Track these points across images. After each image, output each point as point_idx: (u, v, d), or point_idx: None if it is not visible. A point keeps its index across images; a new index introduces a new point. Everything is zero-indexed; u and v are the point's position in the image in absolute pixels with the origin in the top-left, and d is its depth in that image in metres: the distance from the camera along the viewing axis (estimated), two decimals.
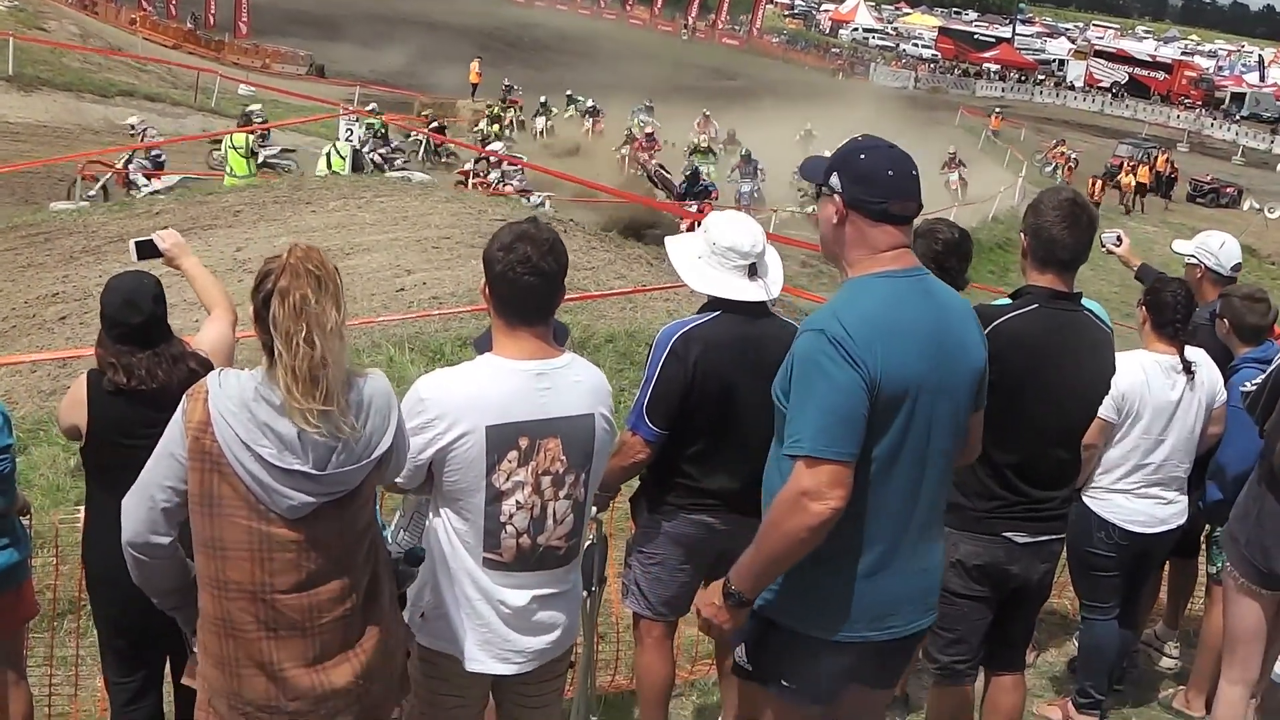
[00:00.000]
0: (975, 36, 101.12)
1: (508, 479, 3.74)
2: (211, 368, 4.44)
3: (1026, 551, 4.73)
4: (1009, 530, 4.68)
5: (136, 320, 4.53)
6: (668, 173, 30.72)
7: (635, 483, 5.10)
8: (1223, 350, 6.17)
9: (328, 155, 24.33)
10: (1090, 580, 5.93)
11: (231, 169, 22.81)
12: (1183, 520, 5.87)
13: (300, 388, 3.15)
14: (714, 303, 4.81)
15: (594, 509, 4.43)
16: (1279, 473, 5.16)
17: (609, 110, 43.16)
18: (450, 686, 3.95)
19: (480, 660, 3.87)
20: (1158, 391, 5.62)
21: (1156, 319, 5.75)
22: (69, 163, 22.76)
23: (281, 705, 3.35)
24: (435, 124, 34.23)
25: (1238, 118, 79.62)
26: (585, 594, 4.67)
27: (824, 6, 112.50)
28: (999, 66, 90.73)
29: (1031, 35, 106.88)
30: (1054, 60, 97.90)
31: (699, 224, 5.10)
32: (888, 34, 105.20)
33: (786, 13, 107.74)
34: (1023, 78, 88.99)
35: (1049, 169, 48.20)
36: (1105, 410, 5.24)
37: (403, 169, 26.15)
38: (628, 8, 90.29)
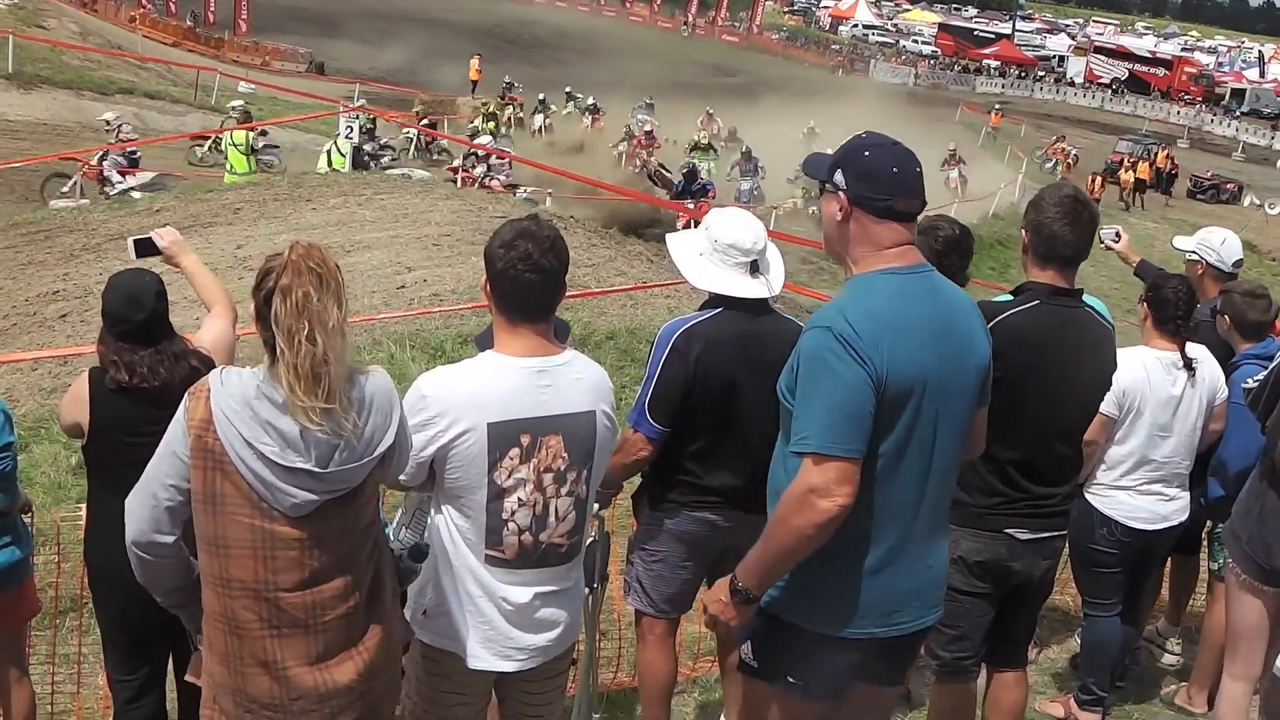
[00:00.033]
0: (975, 33, 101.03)
1: (509, 476, 3.74)
2: (213, 365, 4.44)
3: (1028, 548, 4.73)
4: (1011, 527, 4.68)
5: (139, 318, 4.53)
6: (667, 171, 30.69)
7: (637, 480, 5.10)
8: (1224, 346, 6.17)
9: (328, 153, 24.32)
10: (1092, 577, 5.93)
11: (231, 166, 22.82)
12: (1184, 517, 5.87)
13: (303, 385, 3.15)
14: (715, 300, 4.81)
15: (596, 506, 4.43)
16: None
17: (609, 108, 43.12)
18: (452, 684, 3.95)
19: (482, 658, 3.87)
20: (1159, 388, 5.62)
21: (1158, 315, 5.74)
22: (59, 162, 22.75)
23: (285, 704, 3.35)
24: (425, 120, 33.79)
25: (1238, 114, 79.60)
26: (587, 591, 4.66)
27: (824, 3, 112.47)
28: (999, 63, 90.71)
29: (1031, 31, 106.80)
30: (1054, 56, 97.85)
31: (696, 222, 5.11)
32: (887, 30, 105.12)
33: (786, 9, 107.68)
34: (1023, 74, 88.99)
35: (1049, 165, 48.19)
36: (1107, 406, 5.24)
37: (391, 166, 26.05)
38: (627, 5, 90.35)
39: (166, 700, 4.94)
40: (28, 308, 13.58)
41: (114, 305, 4.55)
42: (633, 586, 5.13)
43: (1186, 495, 5.86)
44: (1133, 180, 45.42)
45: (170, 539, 3.36)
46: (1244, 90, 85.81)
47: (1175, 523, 5.83)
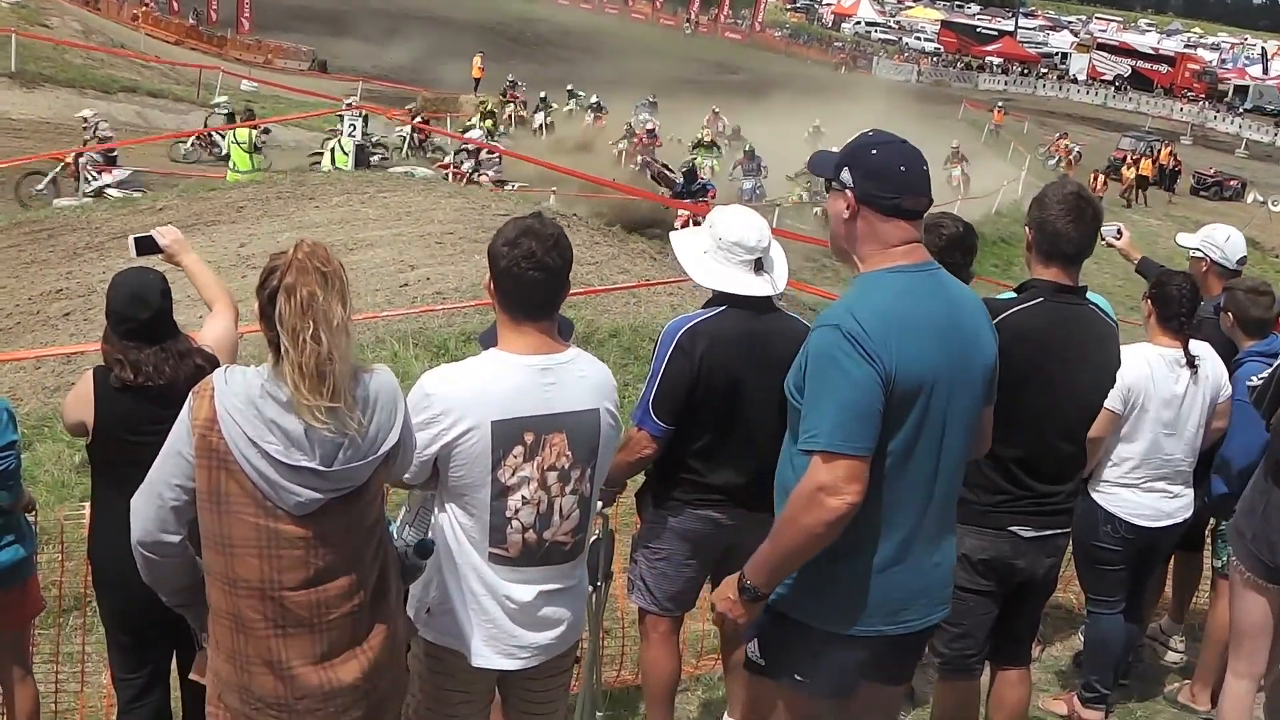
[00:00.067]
0: (978, 30, 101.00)
1: (513, 474, 3.73)
2: (218, 363, 4.46)
3: (1032, 546, 4.73)
4: (1014, 524, 4.68)
5: (144, 316, 4.53)
6: (670, 171, 30.60)
7: (641, 478, 5.10)
8: (1227, 344, 6.16)
9: (331, 151, 24.34)
10: (1096, 574, 5.93)
11: (234, 164, 22.87)
12: (1188, 514, 5.87)
13: (307, 384, 3.14)
14: (719, 298, 4.81)
15: (600, 504, 4.44)
16: None
17: (612, 106, 42.98)
18: (455, 682, 3.95)
19: (486, 656, 3.86)
20: (1162, 385, 5.62)
21: (1162, 312, 5.74)
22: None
23: (290, 703, 3.35)
24: (419, 118, 33.37)
25: (1241, 110, 79.55)
26: (591, 589, 4.66)
27: (826, 0, 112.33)
28: (1001, 60, 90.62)
29: (1034, 28, 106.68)
30: (1057, 53, 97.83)
31: (694, 221, 5.11)
32: (890, 28, 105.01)
33: (789, 6, 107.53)
34: (1025, 71, 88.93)
35: (1052, 162, 48.15)
36: (1111, 402, 5.23)
37: (382, 165, 26.02)
38: (629, 3, 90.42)
39: (171, 699, 4.94)
40: (31, 306, 13.60)
41: (118, 304, 4.55)
42: (636, 584, 5.13)
43: (1190, 493, 5.86)
44: (1133, 177, 45.38)
45: (176, 538, 3.36)
46: (1247, 87, 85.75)
47: (1179, 520, 5.83)
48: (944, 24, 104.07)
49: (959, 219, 5.58)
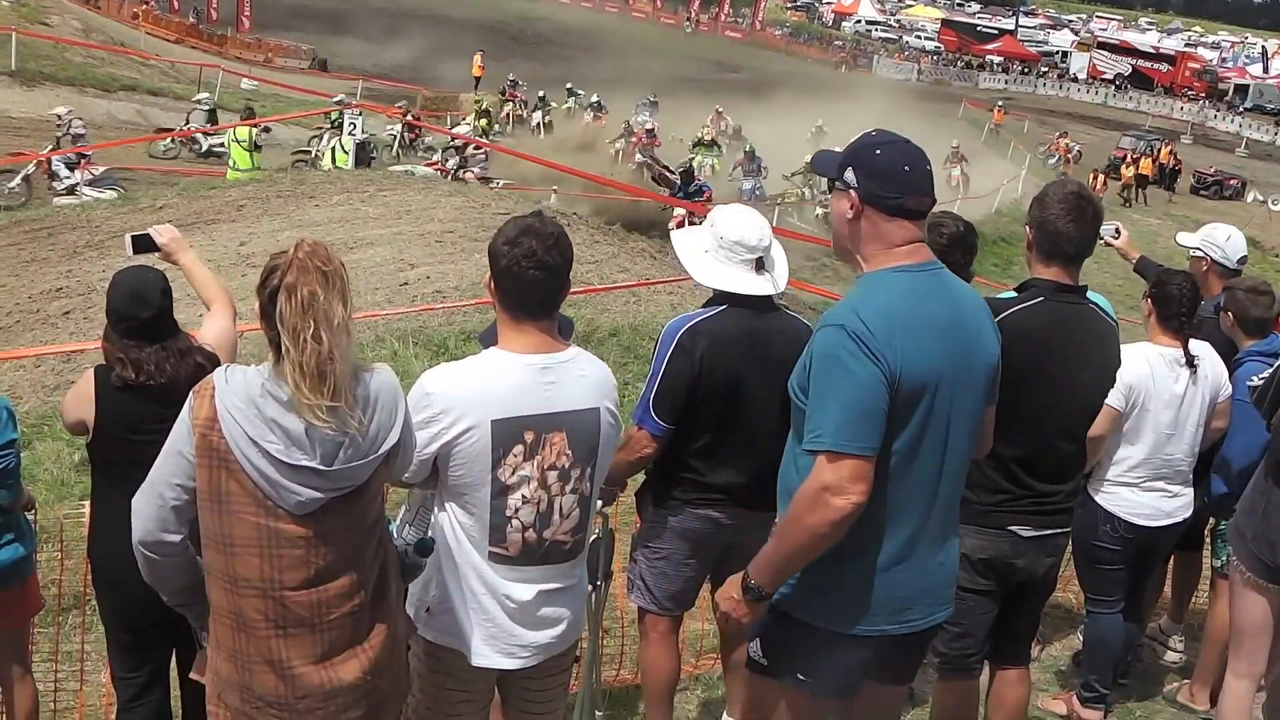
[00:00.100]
0: (978, 28, 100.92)
1: (513, 473, 3.73)
2: (218, 362, 4.46)
3: (1032, 545, 4.73)
4: (1014, 524, 4.68)
5: (145, 315, 4.53)
6: (670, 172, 30.50)
7: (641, 477, 5.10)
8: (1227, 343, 6.16)
9: (332, 150, 24.34)
10: (1095, 574, 5.93)
11: (234, 162, 22.91)
12: (1188, 514, 5.87)
13: (308, 383, 3.14)
14: (720, 297, 4.81)
15: (599, 503, 4.43)
16: None
17: (612, 105, 42.88)
18: (455, 681, 3.95)
19: (485, 655, 3.86)
20: (1163, 384, 5.61)
21: (1162, 312, 5.74)
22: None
23: (291, 702, 3.35)
24: (409, 116, 32.82)
25: (1241, 109, 79.53)
26: (591, 588, 4.66)
27: None
28: (1002, 59, 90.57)
29: (1034, 27, 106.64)
30: (1057, 52, 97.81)
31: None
32: (890, 26, 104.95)
33: (789, 5, 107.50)
34: (1026, 70, 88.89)
35: (1052, 161, 48.15)
36: (1113, 399, 5.22)
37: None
38: (630, 1, 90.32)
39: (171, 698, 4.94)
40: (31, 305, 13.59)
41: (119, 302, 4.55)
42: (636, 584, 5.13)
43: (1190, 492, 5.86)
44: (1131, 176, 45.37)
45: (177, 538, 3.36)
46: (1247, 86, 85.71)
47: (1178, 520, 5.83)
48: (944, 23, 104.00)
49: (960, 218, 5.58)
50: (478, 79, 49.81)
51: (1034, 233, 4.70)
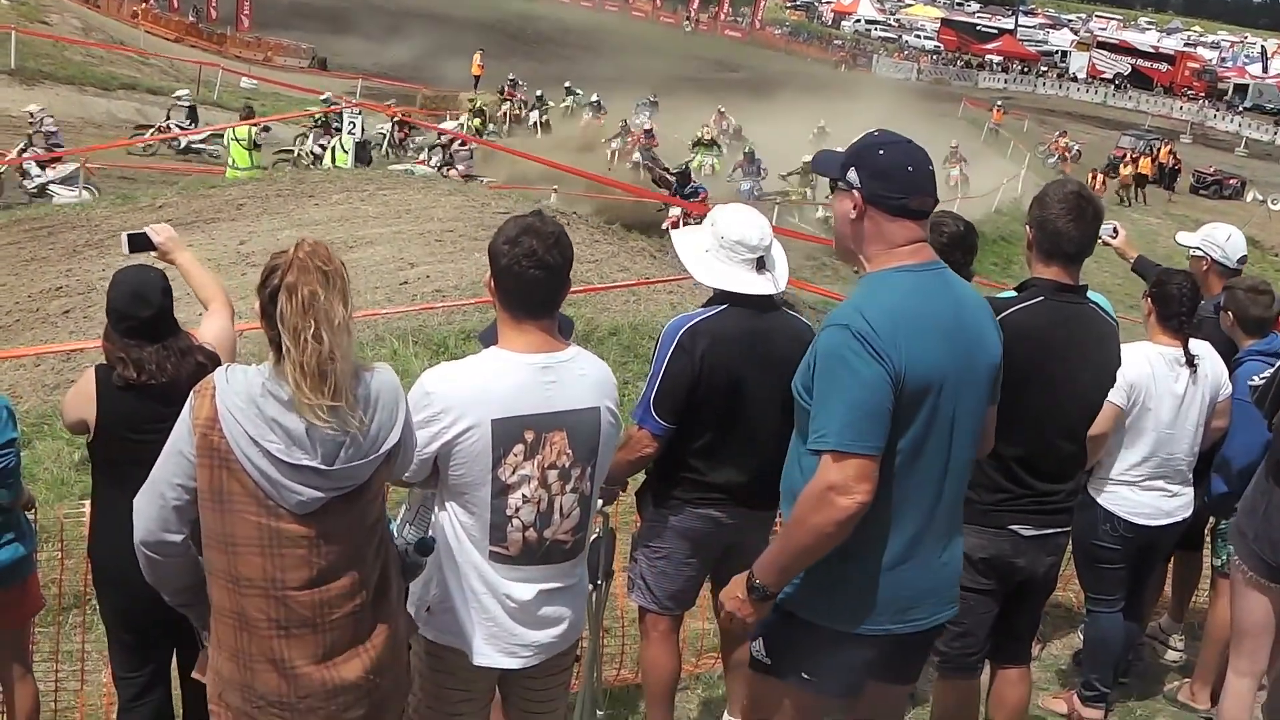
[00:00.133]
0: (977, 28, 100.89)
1: (514, 473, 3.73)
2: (219, 361, 4.46)
3: (1032, 544, 4.72)
4: (1015, 523, 4.68)
5: (145, 314, 4.53)
6: (668, 173, 30.33)
7: (641, 476, 5.10)
8: (1227, 343, 6.16)
9: (332, 149, 24.36)
10: (1095, 573, 5.93)
11: (233, 161, 22.93)
12: (1188, 513, 5.87)
13: (309, 383, 3.14)
14: (721, 296, 4.81)
15: (600, 503, 4.43)
16: None
17: (612, 104, 42.76)
18: (456, 680, 3.94)
19: (486, 654, 3.86)
20: (1163, 384, 5.62)
21: (1162, 311, 5.74)
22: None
23: (292, 701, 3.35)
24: (398, 118, 32.42)
25: (1241, 109, 79.51)
26: (591, 588, 4.66)
27: None
28: (1001, 58, 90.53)
29: (1034, 26, 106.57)
30: (1056, 52, 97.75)
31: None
32: (890, 25, 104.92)
33: (789, 5, 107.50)
34: (1025, 69, 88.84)
35: (1051, 161, 48.14)
36: (1115, 396, 5.22)
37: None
38: (630, 1, 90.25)
39: (172, 697, 4.94)
40: (30, 304, 13.60)
41: (119, 302, 4.55)
42: (636, 583, 5.13)
43: (1190, 492, 5.86)
44: (1130, 176, 45.35)
45: (178, 538, 3.36)
46: (1247, 85, 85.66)
47: (1178, 519, 5.83)
48: (944, 22, 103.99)
49: (960, 218, 5.59)
50: (477, 78, 49.80)
51: (1034, 232, 4.70)
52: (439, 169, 25.88)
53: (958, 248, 5.21)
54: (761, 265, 4.76)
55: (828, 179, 3.73)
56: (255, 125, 23.90)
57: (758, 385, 4.70)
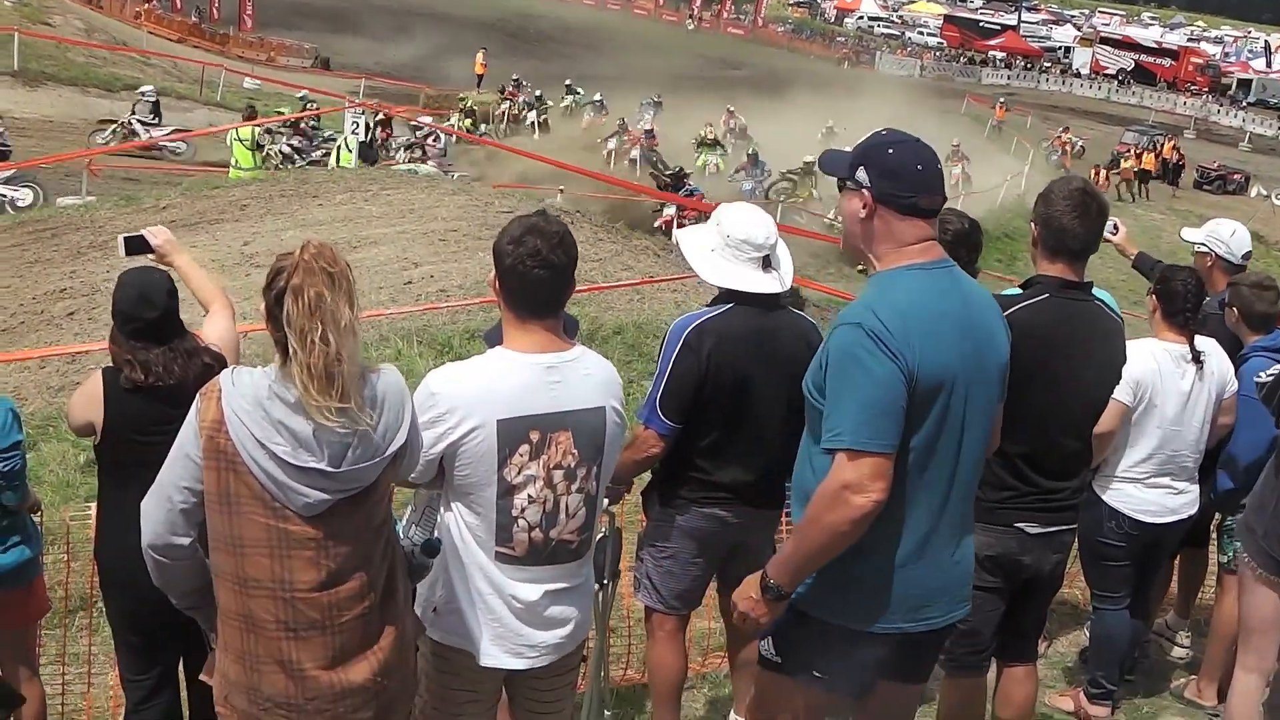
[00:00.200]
0: (980, 24, 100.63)
1: (519, 473, 3.73)
2: (225, 362, 4.46)
3: (1038, 542, 4.72)
4: (1021, 521, 4.67)
5: (151, 316, 4.53)
6: (665, 174, 30.14)
7: (647, 475, 5.09)
8: (1232, 339, 6.15)
9: (336, 149, 24.36)
10: (1101, 570, 5.93)
11: (236, 161, 22.95)
12: (1194, 510, 5.87)
13: (316, 385, 3.14)
14: (726, 295, 4.81)
15: (606, 502, 4.43)
16: None
17: (615, 103, 42.62)
18: (463, 681, 3.95)
19: (493, 655, 3.86)
20: (1169, 380, 5.61)
21: (1167, 308, 5.73)
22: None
23: (300, 703, 3.35)
24: (380, 117, 32.53)
25: (1244, 104, 79.27)
26: (597, 588, 4.66)
27: None
28: (1004, 54, 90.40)
29: (1037, 22, 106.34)
30: (1060, 47, 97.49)
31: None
32: (893, 22, 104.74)
33: (791, 2, 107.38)
34: (1029, 65, 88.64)
35: (1055, 157, 48.06)
36: (1121, 393, 5.21)
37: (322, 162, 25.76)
38: None
39: (181, 700, 4.94)
40: (35, 306, 13.58)
41: (125, 304, 4.55)
42: (643, 583, 5.13)
43: (1195, 489, 5.86)
44: (1132, 171, 45.27)
45: (186, 541, 3.36)
46: (1250, 80, 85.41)
47: (1184, 516, 5.83)
48: (947, 19, 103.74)
49: (964, 215, 5.59)
50: (480, 77, 49.80)
51: (1039, 229, 4.70)
52: (408, 159, 25.65)
53: (963, 245, 5.21)
54: (767, 264, 4.76)
55: (835, 179, 3.73)
56: (258, 126, 23.90)
57: (764, 384, 4.70)
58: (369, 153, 24.95)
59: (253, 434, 3.18)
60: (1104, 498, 5.73)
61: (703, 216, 19.04)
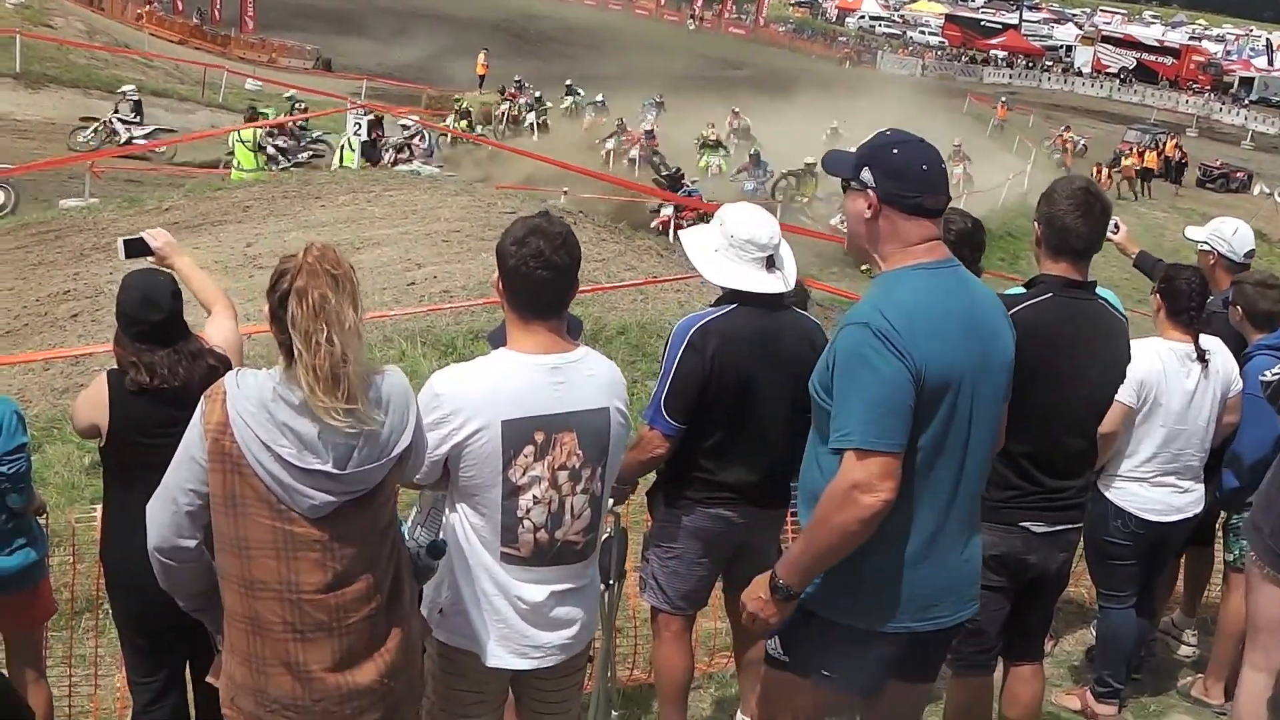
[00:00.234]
0: (982, 23, 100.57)
1: (524, 474, 3.73)
2: (229, 364, 4.47)
3: (1044, 541, 4.72)
4: (1026, 520, 4.67)
5: (156, 318, 4.53)
6: (663, 175, 30.04)
7: (652, 476, 5.09)
8: (1237, 337, 6.15)
9: (340, 150, 24.37)
10: (1107, 569, 5.93)
11: (239, 163, 22.94)
12: (1199, 509, 5.86)
13: (322, 387, 3.14)
14: (730, 295, 4.81)
15: (611, 503, 4.43)
16: None
17: (616, 103, 42.58)
18: (469, 682, 3.94)
19: (499, 656, 3.86)
20: (1174, 379, 5.61)
21: (1171, 307, 5.73)
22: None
23: (307, 705, 3.35)
24: (371, 116, 32.49)
25: (1246, 102, 79.22)
26: (603, 588, 4.66)
27: None
28: (1006, 53, 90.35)
29: (1038, 21, 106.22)
30: (1061, 46, 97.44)
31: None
32: (894, 22, 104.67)
33: (792, 2, 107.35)
34: (1030, 64, 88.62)
35: (1057, 155, 48.03)
36: (1124, 395, 5.22)
37: (313, 162, 25.73)
38: None
39: (187, 702, 4.94)
40: (39, 308, 13.58)
41: (130, 306, 4.55)
42: (648, 583, 5.13)
43: (1201, 487, 5.86)
44: (1133, 169, 45.21)
45: (192, 543, 3.36)
46: (1252, 79, 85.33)
47: (1189, 515, 5.83)
48: (948, 18, 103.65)
49: (967, 214, 5.59)
50: (482, 77, 49.77)
51: (1042, 228, 4.70)
52: (390, 165, 25.50)
53: (966, 244, 5.20)
54: (771, 264, 4.76)
55: (839, 179, 3.73)
56: (260, 127, 23.91)
57: (768, 384, 4.70)
58: (372, 152, 24.94)
59: (258, 436, 3.18)
60: (1109, 496, 5.73)
61: (702, 217, 19.04)
